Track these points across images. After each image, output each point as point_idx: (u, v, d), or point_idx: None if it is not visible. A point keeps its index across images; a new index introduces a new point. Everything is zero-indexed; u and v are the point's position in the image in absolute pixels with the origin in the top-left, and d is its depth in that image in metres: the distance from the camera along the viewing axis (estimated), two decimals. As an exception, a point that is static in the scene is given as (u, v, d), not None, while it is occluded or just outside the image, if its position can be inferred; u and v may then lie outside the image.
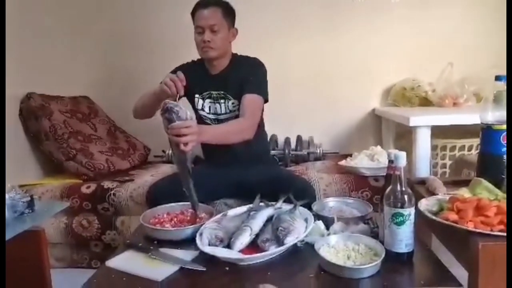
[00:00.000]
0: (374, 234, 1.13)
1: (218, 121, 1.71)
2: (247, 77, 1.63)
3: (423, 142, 1.89)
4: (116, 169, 2.18)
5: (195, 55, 1.71)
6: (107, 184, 1.96)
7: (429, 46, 2.50)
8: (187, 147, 1.22)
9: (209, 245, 1.10)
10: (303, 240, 1.12)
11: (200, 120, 1.71)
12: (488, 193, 1.16)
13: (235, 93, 1.65)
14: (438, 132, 2.10)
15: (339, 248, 1.04)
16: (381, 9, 2.49)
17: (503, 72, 1.31)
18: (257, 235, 1.13)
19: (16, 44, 2.02)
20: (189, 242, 1.16)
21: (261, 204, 1.33)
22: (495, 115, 1.25)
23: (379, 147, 2.03)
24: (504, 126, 1.23)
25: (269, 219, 1.20)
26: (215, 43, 1.59)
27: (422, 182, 1.43)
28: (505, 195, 1.12)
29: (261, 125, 1.75)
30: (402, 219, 0.98)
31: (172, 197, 1.41)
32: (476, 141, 2.16)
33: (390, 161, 1.05)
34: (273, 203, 1.31)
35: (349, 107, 2.61)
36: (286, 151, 2.34)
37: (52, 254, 1.91)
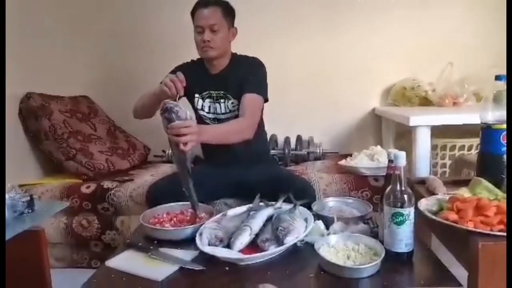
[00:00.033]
0: (374, 234, 1.12)
1: (218, 121, 1.71)
2: (247, 76, 1.63)
3: (423, 142, 1.89)
4: (116, 169, 2.18)
5: (195, 55, 1.71)
6: (107, 184, 1.96)
7: (429, 46, 2.50)
8: (187, 147, 1.22)
9: (209, 245, 1.10)
10: (303, 240, 1.12)
11: (200, 120, 1.71)
12: (488, 193, 1.16)
13: (235, 92, 1.65)
14: (438, 132, 2.10)
15: (339, 248, 1.04)
16: (381, 9, 2.49)
17: (503, 71, 1.31)
18: (257, 235, 1.13)
19: (16, 44, 2.02)
20: (189, 242, 1.16)
21: (261, 204, 1.33)
22: (495, 115, 1.25)
23: (379, 147, 2.03)
24: (504, 126, 1.23)
25: (269, 219, 1.20)
26: (215, 42, 1.59)
27: (422, 181, 1.43)
28: (505, 195, 1.12)
29: (261, 125, 1.75)
30: (402, 219, 0.98)
31: (172, 197, 1.41)
32: (476, 141, 2.15)
33: (390, 161, 1.05)
34: (273, 203, 1.31)
35: (349, 107, 2.61)
36: (286, 150, 2.34)
37: (52, 254, 1.91)
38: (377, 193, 1.72)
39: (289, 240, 1.07)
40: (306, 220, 1.18)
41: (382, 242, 1.03)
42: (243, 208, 1.32)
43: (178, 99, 1.36)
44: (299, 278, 0.99)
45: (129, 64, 2.61)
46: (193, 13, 1.63)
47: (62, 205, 1.55)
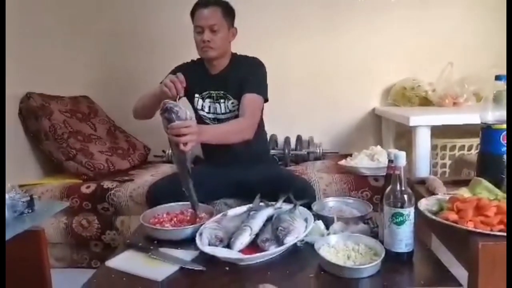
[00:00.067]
0: (374, 234, 1.12)
1: (218, 121, 1.71)
2: (246, 76, 1.63)
3: (423, 142, 1.89)
4: (116, 169, 2.18)
5: (195, 55, 1.71)
6: (107, 184, 1.96)
7: (429, 46, 2.50)
8: (187, 147, 1.22)
9: (209, 245, 1.10)
10: (303, 240, 1.12)
11: (200, 120, 1.71)
12: (488, 193, 1.16)
13: (234, 92, 1.65)
14: (438, 132, 2.10)
15: (339, 248, 1.04)
16: (381, 9, 2.49)
17: (503, 71, 1.31)
18: (257, 235, 1.13)
19: (16, 44, 2.02)
20: (189, 242, 1.16)
21: (261, 204, 1.33)
22: (495, 115, 1.25)
23: (379, 147, 2.03)
24: (504, 126, 1.23)
25: (269, 219, 1.20)
26: (215, 43, 1.59)
27: (422, 182, 1.43)
28: (505, 195, 1.12)
29: (261, 125, 1.75)
30: (402, 219, 0.98)
31: (172, 197, 1.41)
32: (476, 141, 2.15)
33: (390, 161, 1.05)
34: (273, 203, 1.31)
35: (349, 107, 2.61)
36: (286, 151, 2.34)
37: (52, 254, 1.91)
38: (377, 193, 1.72)
39: (289, 240, 1.07)
40: (306, 220, 1.18)
41: (382, 242, 1.03)
42: (243, 208, 1.32)
43: (178, 99, 1.36)
44: (299, 278, 0.99)
45: (129, 64, 2.61)
46: (192, 13, 1.63)
47: (62, 205, 1.55)
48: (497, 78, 1.28)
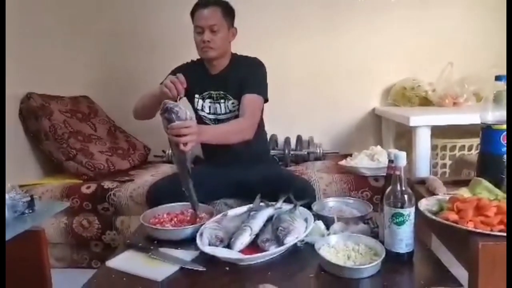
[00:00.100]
0: (374, 234, 1.13)
1: (218, 121, 1.71)
2: (246, 77, 1.63)
3: (423, 142, 1.89)
4: (116, 169, 2.18)
5: (195, 55, 1.71)
6: (107, 184, 1.96)
7: (429, 46, 2.50)
8: (187, 147, 1.22)
9: (209, 245, 1.10)
10: (303, 240, 1.12)
11: (200, 120, 1.71)
12: (488, 193, 1.16)
13: (235, 93, 1.65)
14: (438, 132, 2.10)
15: (339, 248, 1.04)
16: (381, 9, 2.49)
17: (503, 72, 1.31)
18: (257, 235, 1.13)
19: (16, 44, 2.02)
20: (189, 242, 1.16)
21: (261, 204, 1.33)
22: (495, 115, 1.25)
23: (379, 147, 2.03)
24: (504, 126, 1.23)
25: (269, 219, 1.20)
26: (215, 43, 1.59)
27: (422, 182, 1.43)
28: (505, 195, 1.12)
29: (261, 125, 1.75)
30: (402, 219, 0.98)
31: (172, 197, 1.41)
32: (476, 141, 2.16)
33: (390, 161, 1.05)
34: (273, 203, 1.31)
35: (349, 107, 2.61)
36: (286, 151, 2.34)
37: (52, 254, 1.91)
38: (377, 193, 1.72)
39: (290, 240, 1.07)
40: (306, 220, 1.18)
41: (382, 242, 1.03)
42: (244, 208, 1.32)
43: (179, 100, 1.36)
44: (300, 278, 0.99)
45: (129, 64, 2.61)
46: (192, 13, 1.63)
47: (63, 205, 1.55)
48: (497, 78, 1.28)
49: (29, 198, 1.30)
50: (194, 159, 1.99)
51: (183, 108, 1.22)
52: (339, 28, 2.53)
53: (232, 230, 1.15)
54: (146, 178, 2.03)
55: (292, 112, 2.57)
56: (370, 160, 1.94)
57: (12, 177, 1.62)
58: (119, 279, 1.00)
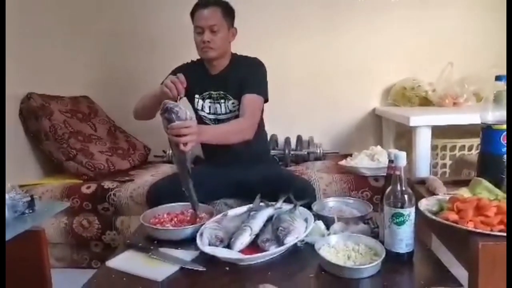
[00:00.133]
0: (374, 234, 1.13)
1: (218, 121, 1.71)
2: (246, 77, 1.63)
3: (423, 142, 1.89)
4: (116, 169, 2.19)
5: (195, 55, 1.71)
6: (107, 184, 1.96)
7: (429, 46, 2.50)
8: (187, 147, 1.22)
9: (209, 245, 1.10)
10: (303, 240, 1.12)
11: (200, 120, 1.71)
12: (488, 193, 1.16)
13: (235, 93, 1.65)
14: (438, 132, 2.10)
15: (339, 248, 1.04)
16: (381, 9, 2.49)
17: (503, 72, 1.31)
18: (257, 235, 1.13)
19: (16, 44, 2.02)
20: (189, 242, 1.16)
21: (261, 204, 1.33)
22: (495, 115, 1.25)
23: (379, 147, 2.03)
24: (504, 126, 1.23)
25: (269, 219, 1.20)
26: (215, 43, 1.59)
27: (422, 182, 1.43)
28: (505, 195, 1.12)
29: (261, 125, 1.75)
30: (402, 219, 0.98)
31: (172, 197, 1.41)
32: (476, 141, 2.16)
33: (390, 161, 1.05)
34: (273, 203, 1.31)
35: (349, 107, 2.61)
36: (286, 151, 2.34)
37: (52, 254, 1.91)
38: (377, 193, 1.72)
39: (290, 240, 1.07)
40: (306, 220, 1.18)
41: (382, 242, 1.03)
42: (244, 208, 1.32)
43: (179, 100, 1.36)
44: (300, 278, 0.99)
45: (129, 64, 2.61)
46: (192, 13, 1.63)
47: (63, 205, 1.55)
48: (497, 78, 1.28)
49: (29, 198, 1.30)
50: (194, 159, 2.00)
51: (183, 108, 1.22)
52: (339, 28, 2.53)
53: (232, 230, 1.15)
54: (146, 178, 2.03)
55: (292, 112, 2.57)
56: (370, 160, 1.94)
57: (12, 177, 1.62)
58: (119, 279, 1.00)
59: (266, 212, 1.23)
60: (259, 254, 1.05)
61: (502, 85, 1.26)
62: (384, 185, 1.09)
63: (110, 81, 2.63)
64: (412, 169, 1.89)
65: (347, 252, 1.02)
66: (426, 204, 1.17)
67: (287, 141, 2.41)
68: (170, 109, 1.19)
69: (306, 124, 2.58)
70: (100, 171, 2.10)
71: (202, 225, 1.20)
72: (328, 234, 1.14)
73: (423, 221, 1.13)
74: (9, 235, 1.11)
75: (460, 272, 0.99)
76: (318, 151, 2.40)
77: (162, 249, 1.13)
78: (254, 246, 1.10)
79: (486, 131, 1.28)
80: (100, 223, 1.93)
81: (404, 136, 2.37)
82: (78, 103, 2.41)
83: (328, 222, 1.20)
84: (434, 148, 2.21)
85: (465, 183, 1.31)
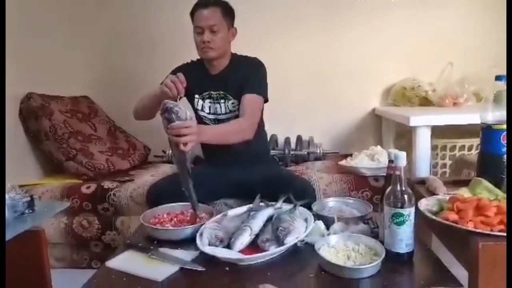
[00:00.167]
0: (374, 234, 1.13)
1: (218, 121, 1.71)
2: (246, 77, 1.63)
3: (423, 142, 1.89)
4: (116, 169, 2.18)
5: (195, 55, 1.71)
6: (107, 184, 1.96)
7: (429, 46, 2.50)
8: (187, 147, 1.22)
9: (209, 245, 1.10)
10: (303, 240, 1.12)
11: (200, 120, 1.71)
12: (488, 193, 1.16)
13: (234, 93, 1.65)
14: (438, 132, 2.10)
15: (339, 248, 1.04)
16: (381, 9, 2.49)
17: (503, 72, 1.31)
18: (257, 235, 1.13)
19: (16, 44, 2.02)
20: (189, 242, 1.16)
21: (261, 204, 1.33)
22: (495, 115, 1.25)
23: (379, 147, 2.03)
24: (504, 126, 1.23)
25: (269, 219, 1.20)
26: (215, 43, 1.59)
27: (422, 182, 1.43)
28: (505, 195, 1.12)
29: (261, 125, 1.75)
30: (402, 219, 0.98)
31: (172, 197, 1.41)
32: (476, 141, 2.16)
33: (390, 161, 1.05)
34: (273, 203, 1.31)
35: (349, 107, 2.61)
36: (286, 151, 2.34)
37: (52, 254, 1.91)
38: (377, 193, 1.72)
39: (290, 240, 1.07)
40: (306, 220, 1.18)
41: (382, 242, 1.03)
42: (244, 208, 1.32)
43: (179, 99, 1.36)
44: (299, 278, 0.99)
45: (129, 64, 2.61)
46: (192, 13, 1.63)
47: (63, 205, 1.55)
48: (497, 78, 1.28)
49: (29, 198, 1.30)
50: (194, 159, 2.00)
51: (183, 108, 1.22)
52: (339, 28, 2.53)
53: (232, 230, 1.15)
54: (146, 178, 2.03)
55: (292, 112, 2.57)
56: (370, 160, 1.94)
57: (12, 177, 1.62)
58: (119, 279, 1.00)
59: (266, 212, 1.23)
60: (259, 254, 1.05)
61: (502, 85, 1.26)
62: (384, 185, 1.09)
63: (110, 81, 2.63)
64: (412, 169, 1.89)
65: (347, 252, 1.02)
66: (426, 204, 1.17)
67: (287, 141, 2.41)
68: (170, 109, 1.19)
69: (306, 124, 2.58)
70: (100, 171, 2.10)
71: (202, 225, 1.20)
72: (328, 234, 1.14)
73: (423, 221, 1.13)
74: (9, 235, 1.11)
75: (460, 272, 0.99)
76: (318, 151, 2.40)
77: (162, 249, 1.13)
78: (254, 246, 1.10)
79: (486, 131, 1.28)
80: (100, 223, 1.93)
81: (404, 136, 2.37)
82: (78, 103, 2.41)
83: (328, 222, 1.20)
84: (434, 148, 2.21)
85: (465, 183, 1.31)
